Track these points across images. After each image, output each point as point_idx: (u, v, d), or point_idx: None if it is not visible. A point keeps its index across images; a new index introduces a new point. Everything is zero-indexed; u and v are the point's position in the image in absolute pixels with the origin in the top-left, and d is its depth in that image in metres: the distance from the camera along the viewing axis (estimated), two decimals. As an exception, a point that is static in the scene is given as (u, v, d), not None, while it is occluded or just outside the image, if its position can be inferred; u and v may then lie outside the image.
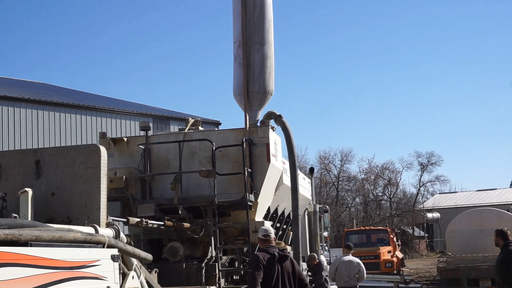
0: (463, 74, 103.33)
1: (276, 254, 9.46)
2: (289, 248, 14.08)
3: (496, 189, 78.13)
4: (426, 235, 65.72)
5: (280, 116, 13.19)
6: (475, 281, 23.10)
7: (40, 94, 32.53)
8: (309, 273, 17.17)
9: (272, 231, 9.94)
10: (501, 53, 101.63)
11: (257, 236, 10.26)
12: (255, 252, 10.09)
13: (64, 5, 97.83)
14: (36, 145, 28.39)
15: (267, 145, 12.53)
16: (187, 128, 13.34)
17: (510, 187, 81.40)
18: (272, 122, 13.04)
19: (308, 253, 17.92)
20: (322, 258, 18.30)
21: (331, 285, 17.45)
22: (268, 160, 12.50)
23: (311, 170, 22.66)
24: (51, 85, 41.36)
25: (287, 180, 13.50)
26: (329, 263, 19.83)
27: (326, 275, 17.37)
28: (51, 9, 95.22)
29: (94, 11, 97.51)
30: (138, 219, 10.29)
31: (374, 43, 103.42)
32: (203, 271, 11.72)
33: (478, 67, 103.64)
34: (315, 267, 17.23)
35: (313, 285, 16.79)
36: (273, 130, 12.97)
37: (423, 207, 67.77)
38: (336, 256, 22.35)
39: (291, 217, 13.73)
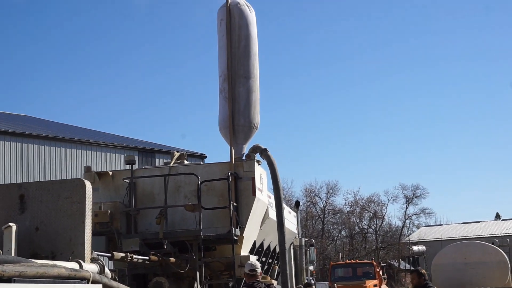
0: (446, 110, 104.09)
1: None
2: (275, 282, 14.00)
3: (481, 221, 78.37)
4: (412, 268, 65.59)
5: (265, 150, 13.19)
6: (462, 314, 23.05)
7: (24, 127, 32.43)
8: None
9: (258, 266, 9.92)
10: (487, 90, 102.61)
11: (243, 270, 10.20)
12: (242, 287, 10.05)
13: (48, 35, 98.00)
14: (20, 179, 28.24)
15: (253, 179, 12.52)
16: (173, 161, 13.32)
17: (495, 219, 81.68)
18: (257, 156, 13.04)
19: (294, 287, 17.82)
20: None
21: None
22: (254, 194, 12.48)
23: (297, 204, 22.65)
24: (35, 117, 41.27)
25: (272, 214, 13.47)
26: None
27: None
28: (35, 41, 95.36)
29: (82, 42, 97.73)
30: (123, 254, 10.21)
31: (360, 77, 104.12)
32: (189, 306, 11.64)
33: (462, 99, 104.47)
34: None
35: None
36: (259, 164, 12.97)
37: (409, 240, 67.79)
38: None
39: (278, 251, 13.66)
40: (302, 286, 17.66)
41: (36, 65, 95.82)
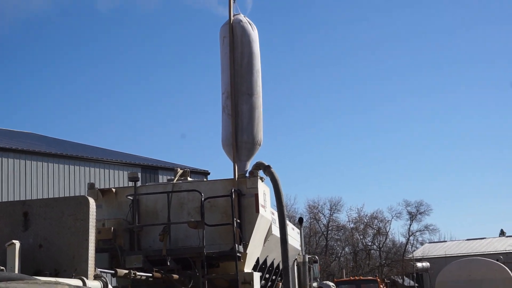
0: (450, 126, 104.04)
1: None
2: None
3: (485, 238, 78.11)
4: (416, 285, 65.33)
5: (269, 166, 13.20)
6: (466, 331, 22.95)
7: (27, 144, 32.51)
8: None
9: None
10: (492, 107, 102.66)
11: (247, 287, 10.19)
12: None
13: (46, 51, 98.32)
14: (23, 196, 28.27)
15: (256, 195, 12.52)
16: (176, 178, 13.33)
17: (499, 236, 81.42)
18: (261, 173, 13.05)
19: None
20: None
21: None
22: (257, 211, 12.48)
23: (300, 220, 22.63)
24: (38, 134, 41.37)
25: (276, 231, 13.46)
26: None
27: None
28: (31, 56, 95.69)
29: (81, 56, 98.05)
30: (126, 271, 10.21)
31: (364, 95, 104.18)
32: (192, 323, 11.61)
33: (466, 116, 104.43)
34: None
35: None
36: (262, 181, 12.97)
37: (413, 256, 67.57)
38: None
39: (281, 268, 13.64)
40: None
41: (39, 82, 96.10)
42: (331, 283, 10.45)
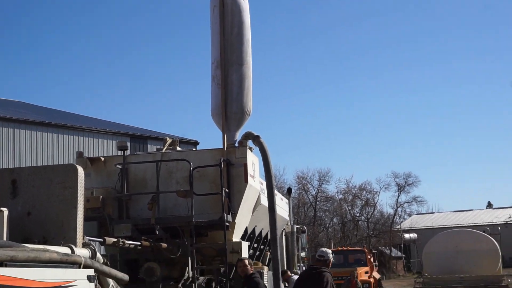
0: (439, 100, 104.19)
1: None
2: (266, 268, 14.05)
3: (472, 210, 78.69)
4: (403, 255, 65.89)
5: (258, 136, 13.18)
6: (452, 301, 23.15)
7: (16, 113, 32.32)
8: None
9: (329, 254, 10.53)
10: (479, 81, 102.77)
11: (235, 256, 10.27)
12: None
13: (36, 20, 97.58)
14: (12, 164, 28.17)
15: (245, 165, 12.53)
16: (165, 148, 13.32)
17: (486, 208, 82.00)
18: (250, 143, 13.05)
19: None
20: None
21: None
22: (246, 181, 12.50)
23: (289, 190, 22.70)
24: (26, 103, 41.11)
25: (264, 201, 13.50)
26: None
27: None
28: (23, 26, 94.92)
29: (70, 26, 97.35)
30: (115, 239, 10.23)
31: (353, 63, 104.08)
32: (180, 291, 11.66)
33: (455, 90, 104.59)
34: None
35: None
36: (251, 151, 12.98)
37: (400, 227, 67.99)
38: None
39: (269, 238, 13.70)
40: (288, 271, 17.60)
41: (29, 50, 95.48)
42: (329, 250, 10.48)
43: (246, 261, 11.15)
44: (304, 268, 23.23)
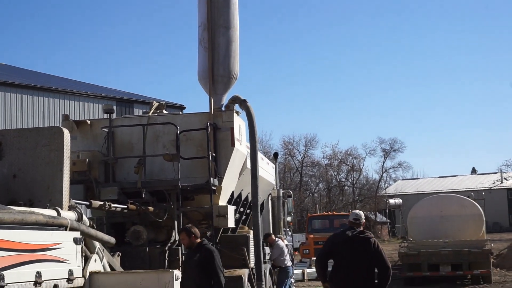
0: (425, 65, 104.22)
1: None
2: (252, 232, 14.11)
3: (457, 176, 79.29)
4: (388, 221, 66.40)
5: (245, 101, 13.16)
6: (435, 266, 23.28)
7: (1, 76, 32.06)
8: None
9: (362, 216, 10.36)
10: (464, 45, 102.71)
11: (221, 220, 10.26)
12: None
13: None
14: (-3, 128, 28.01)
15: (232, 129, 12.51)
16: (151, 111, 13.27)
17: (471, 174, 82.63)
18: (236, 107, 13.02)
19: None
20: (285, 242, 18.31)
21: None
22: (233, 145, 12.49)
23: (275, 155, 22.73)
24: (12, 66, 40.76)
25: (251, 165, 13.48)
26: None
27: (292, 259, 17.58)
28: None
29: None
30: (101, 203, 10.21)
31: (341, 28, 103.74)
32: (166, 254, 11.70)
33: (441, 55, 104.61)
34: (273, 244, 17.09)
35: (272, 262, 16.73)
36: (238, 115, 12.95)
37: (386, 193, 68.50)
38: (299, 241, 22.43)
39: (252, 203, 13.72)
40: (273, 234, 17.60)
41: (14, 12, 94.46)
42: (362, 212, 10.56)
43: (185, 233, 9.94)
44: (289, 233, 23.41)
